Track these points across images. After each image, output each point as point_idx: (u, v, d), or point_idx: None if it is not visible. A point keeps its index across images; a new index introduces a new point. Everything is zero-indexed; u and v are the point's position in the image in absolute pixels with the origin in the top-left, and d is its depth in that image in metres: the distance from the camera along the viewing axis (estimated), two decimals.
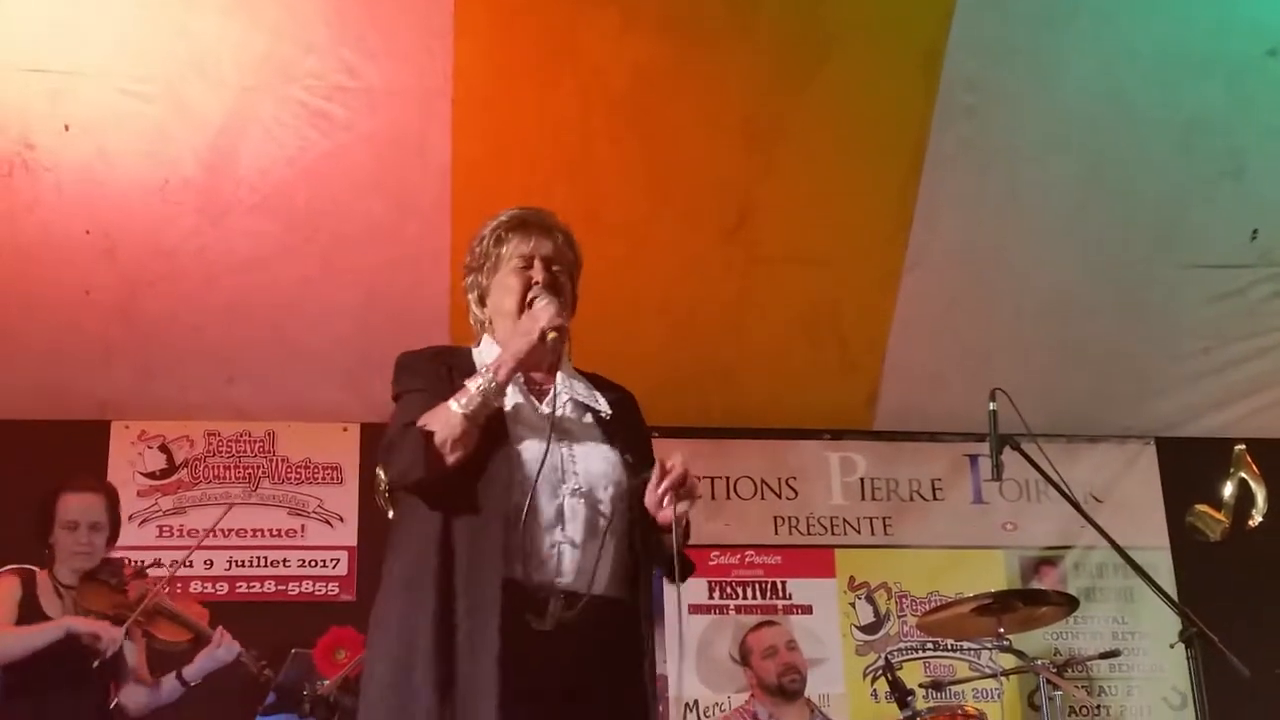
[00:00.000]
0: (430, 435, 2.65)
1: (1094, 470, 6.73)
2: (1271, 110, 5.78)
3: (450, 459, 2.66)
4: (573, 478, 2.79)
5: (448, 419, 2.67)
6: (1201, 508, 6.76)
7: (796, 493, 6.66)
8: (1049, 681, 4.92)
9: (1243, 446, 6.79)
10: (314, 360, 6.10)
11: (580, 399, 2.95)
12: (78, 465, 5.95)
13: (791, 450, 6.69)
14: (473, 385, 2.70)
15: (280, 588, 6.11)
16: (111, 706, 4.72)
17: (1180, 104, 5.73)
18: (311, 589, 6.14)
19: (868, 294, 6.22)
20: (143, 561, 5.54)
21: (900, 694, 4.92)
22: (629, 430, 2.95)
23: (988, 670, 5.88)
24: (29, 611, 4.53)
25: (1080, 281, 6.24)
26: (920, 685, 5.29)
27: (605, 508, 2.80)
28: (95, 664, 4.46)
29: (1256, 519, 6.78)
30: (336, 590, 6.14)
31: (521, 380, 2.87)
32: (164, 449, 6.24)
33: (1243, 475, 6.82)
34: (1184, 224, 6.14)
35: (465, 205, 5.63)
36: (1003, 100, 5.68)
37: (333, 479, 6.31)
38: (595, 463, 2.84)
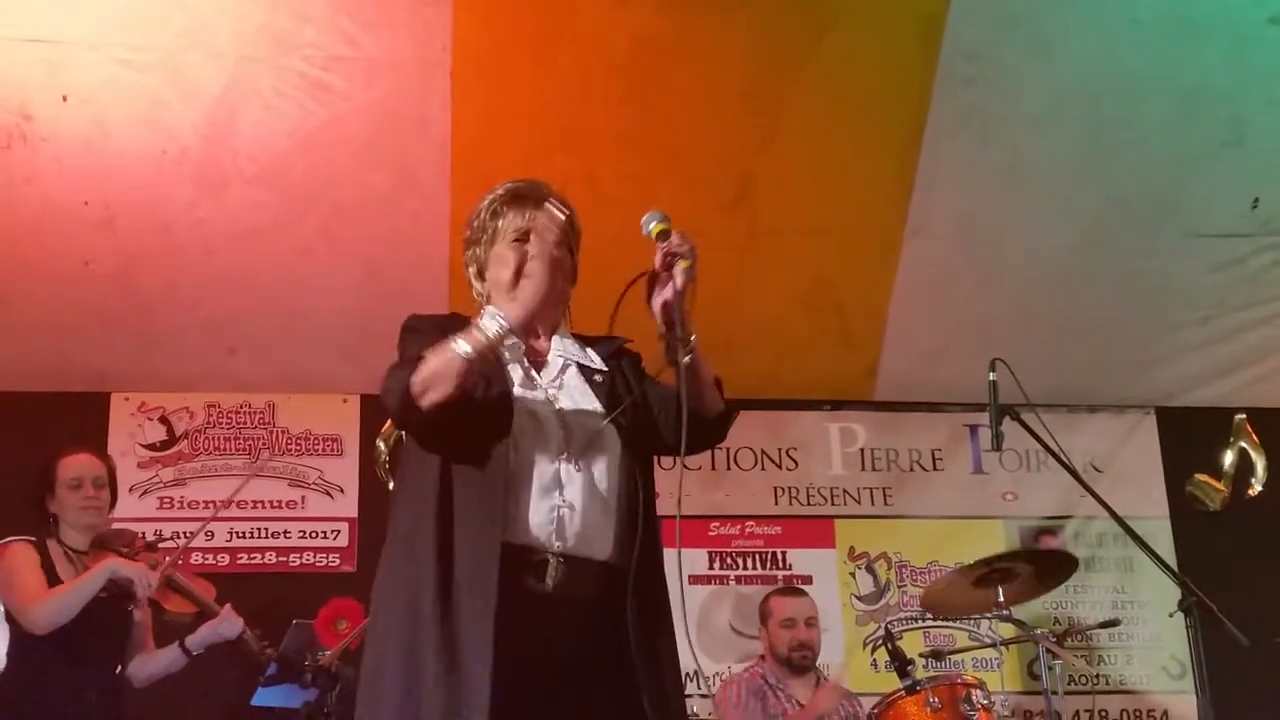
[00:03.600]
0: (419, 364, 2.65)
1: (1094, 440, 6.74)
2: (1272, 79, 5.76)
3: (434, 394, 2.65)
4: (572, 442, 2.78)
5: (444, 352, 2.66)
6: (1201, 477, 6.80)
7: (796, 463, 6.66)
8: (1048, 651, 4.94)
9: (1243, 416, 6.83)
10: (314, 332, 6.09)
11: (578, 361, 2.95)
12: (78, 437, 5.94)
13: (792, 421, 6.69)
14: (482, 322, 2.70)
15: (281, 559, 6.13)
16: (117, 673, 4.74)
17: (1181, 73, 5.71)
18: (312, 560, 6.15)
19: (868, 265, 6.22)
20: (159, 533, 5.58)
21: (900, 663, 4.93)
22: (627, 388, 2.94)
23: (987, 640, 5.89)
24: (50, 577, 4.54)
25: (1080, 251, 6.23)
26: (920, 655, 5.31)
27: (603, 472, 2.80)
28: (131, 608, 4.56)
29: (1256, 488, 6.82)
30: (337, 561, 6.15)
31: (521, 347, 2.87)
32: (164, 420, 6.24)
33: (1243, 444, 6.85)
34: (1184, 193, 6.13)
35: (465, 176, 5.62)
36: (1003, 70, 5.66)
37: (333, 450, 6.31)
38: (592, 423, 2.83)
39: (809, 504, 6.60)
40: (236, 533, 6.09)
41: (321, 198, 5.71)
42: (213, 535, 5.98)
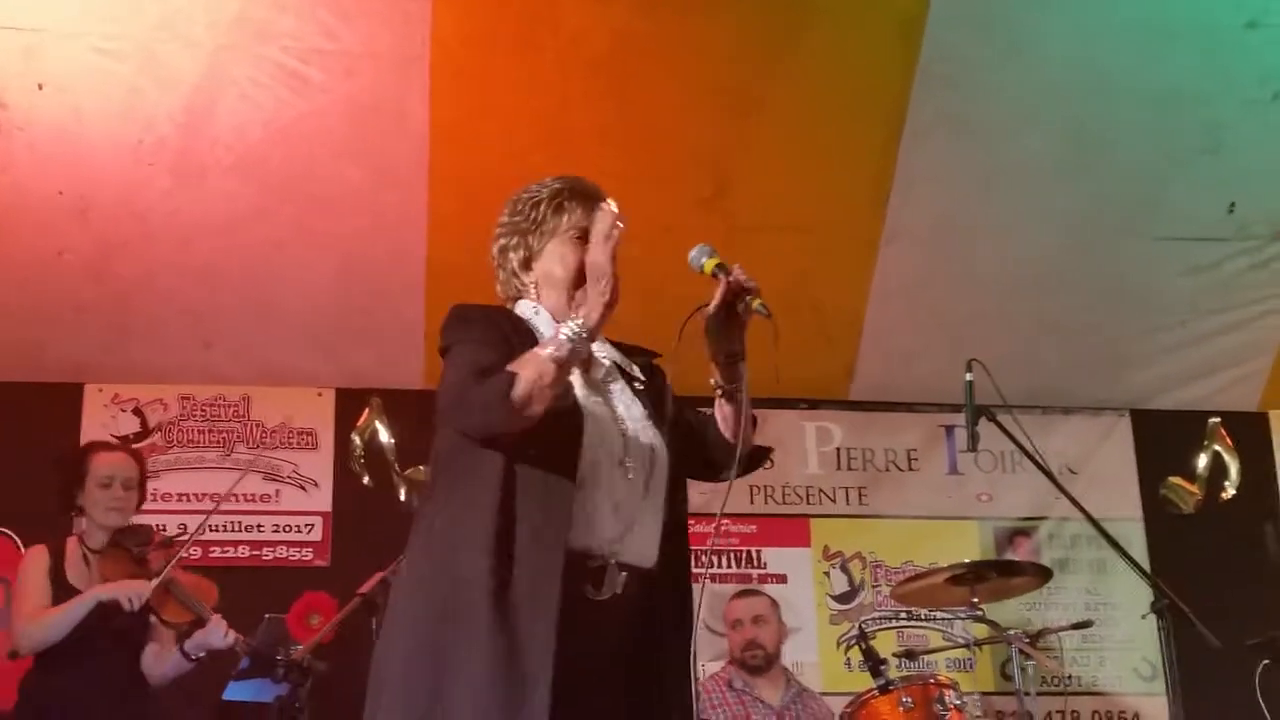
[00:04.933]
0: (514, 380, 2.56)
1: (1069, 442, 6.75)
2: (1249, 83, 5.78)
3: (536, 407, 2.58)
4: (630, 447, 2.77)
5: (538, 365, 2.58)
6: (1175, 480, 6.83)
7: (772, 462, 6.62)
8: (1021, 652, 4.95)
9: (1217, 419, 6.86)
10: (289, 325, 6.07)
11: (621, 365, 2.93)
12: (51, 427, 5.95)
13: (768, 420, 6.67)
14: (564, 333, 2.62)
15: (254, 553, 6.09)
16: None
17: (1159, 76, 5.73)
18: (286, 554, 6.12)
19: (845, 264, 6.22)
20: (182, 527, 5.63)
21: (873, 663, 4.93)
22: (660, 398, 2.93)
23: (961, 640, 5.89)
24: (56, 583, 4.61)
25: (1057, 253, 6.25)
26: (893, 654, 5.31)
27: (658, 481, 2.81)
28: (126, 612, 4.52)
29: (1229, 491, 6.85)
30: (311, 556, 6.13)
31: None
32: (137, 412, 6.20)
33: (1216, 448, 6.88)
34: (1161, 197, 6.15)
35: (442, 171, 5.61)
36: (982, 71, 5.67)
37: (308, 444, 6.28)
38: (645, 433, 2.83)
39: (784, 503, 6.59)
40: (209, 526, 6.05)
41: (298, 190, 5.68)
42: (185, 528, 5.95)
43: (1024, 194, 6.06)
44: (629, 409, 2.84)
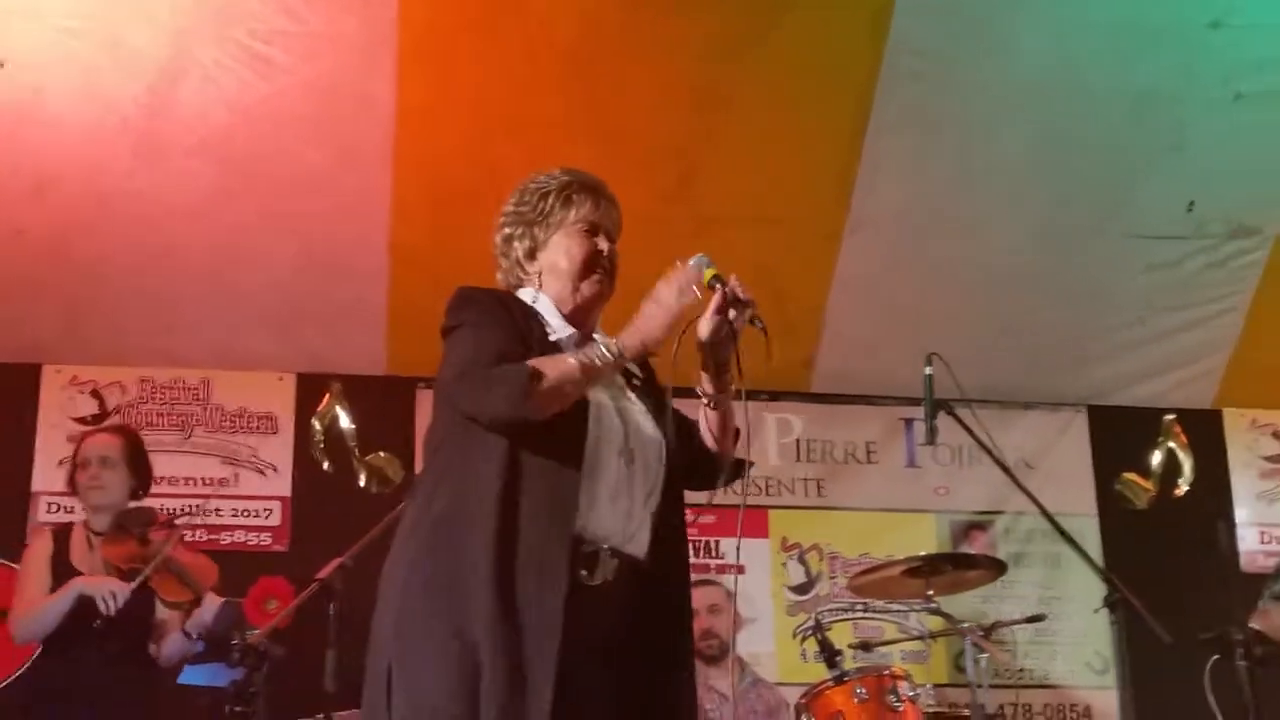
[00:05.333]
0: (539, 376, 2.61)
1: (1026, 436, 6.79)
2: (1212, 83, 5.82)
3: (554, 406, 2.63)
4: (631, 438, 2.80)
5: (567, 370, 2.65)
6: (1129, 476, 6.88)
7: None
8: (975, 644, 4.97)
9: (1172, 416, 6.91)
10: (251, 308, 6.04)
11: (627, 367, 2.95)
12: (7, 408, 5.91)
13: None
14: (599, 350, 2.70)
15: (212, 537, 6.06)
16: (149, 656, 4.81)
17: (1126, 76, 5.76)
18: (244, 539, 6.10)
19: (809, 256, 6.24)
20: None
21: (829, 654, 4.95)
22: (657, 391, 2.98)
23: (915, 632, 5.92)
24: (59, 570, 4.64)
25: (1018, 250, 6.28)
26: (849, 646, 5.33)
27: (653, 470, 2.84)
28: (96, 623, 4.49)
29: (1182, 488, 6.90)
30: (269, 540, 6.11)
31: (576, 338, 2.87)
32: (96, 394, 6.16)
33: (1171, 445, 6.93)
34: (1124, 195, 6.19)
35: (407, 155, 5.59)
36: (950, 66, 5.69)
37: (267, 428, 6.26)
38: (646, 425, 2.86)
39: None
40: (166, 509, 6.00)
41: (261, 172, 5.65)
42: None
43: (988, 190, 6.09)
44: (630, 401, 2.88)
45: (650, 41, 5.49)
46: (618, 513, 2.74)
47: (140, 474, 4.92)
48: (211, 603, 4.71)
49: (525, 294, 2.93)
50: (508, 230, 2.98)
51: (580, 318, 2.91)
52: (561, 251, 2.91)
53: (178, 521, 5.11)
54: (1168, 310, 6.61)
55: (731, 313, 2.79)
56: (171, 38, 5.23)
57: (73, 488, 4.88)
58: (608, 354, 2.70)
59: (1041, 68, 5.70)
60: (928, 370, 4.19)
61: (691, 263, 2.82)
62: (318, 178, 5.67)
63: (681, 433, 2.94)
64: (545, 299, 2.91)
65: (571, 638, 2.58)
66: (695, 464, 2.94)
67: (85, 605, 4.51)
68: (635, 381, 2.95)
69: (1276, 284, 6.48)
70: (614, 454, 2.76)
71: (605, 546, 2.71)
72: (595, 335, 2.84)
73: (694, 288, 2.75)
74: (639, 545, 2.78)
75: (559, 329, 2.86)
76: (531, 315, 2.85)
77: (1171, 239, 6.32)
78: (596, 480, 2.71)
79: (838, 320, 6.44)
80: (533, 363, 2.63)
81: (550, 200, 2.94)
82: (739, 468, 3.04)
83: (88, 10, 5.13)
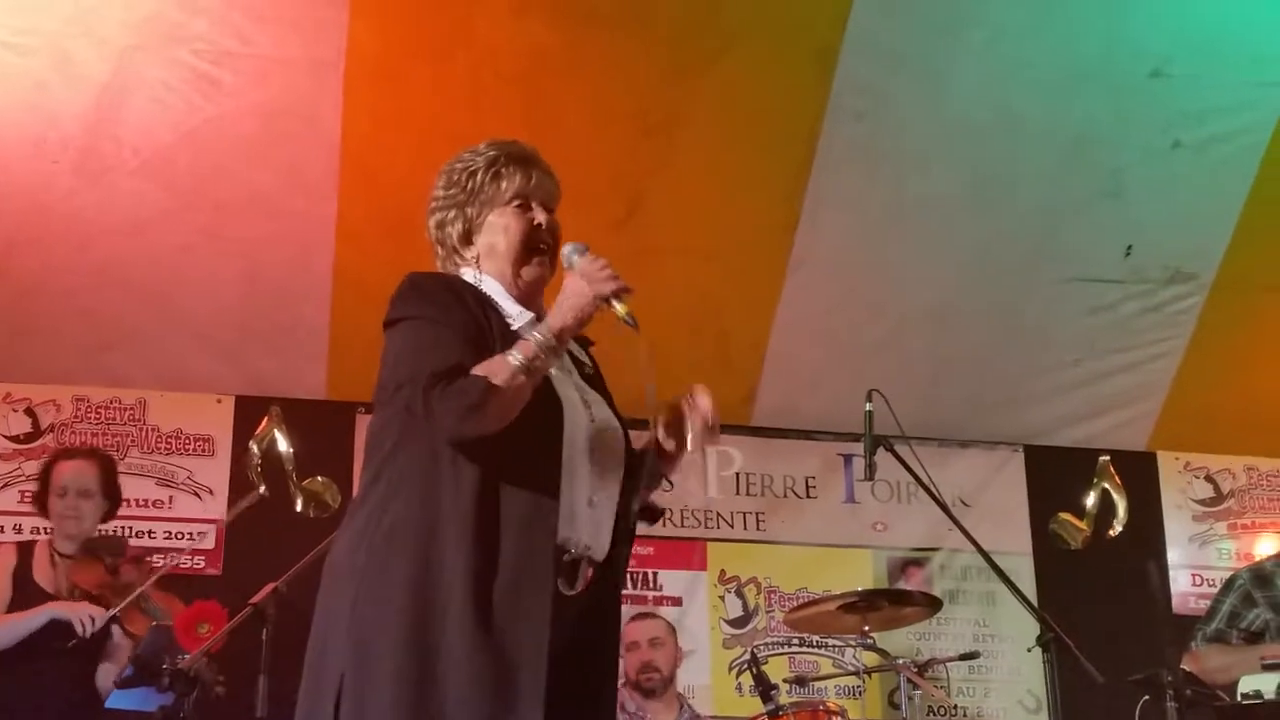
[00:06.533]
0: (492, 389, 2.43)
1: (963, 474, 6.83)
2: (1151, 131, 5.92)
3: (509, 417, 2.47)
4: (597, 435, 2.66)
5: (512, 376, 2.46)
6: (1064, 516, 6.94)
7: (672, 484, 6.64)
8: (909, 680, 5.00)
9: (1107, 457, 6.98)
10: (191, 330, 5.99)
11: (575, 355, 2.83)
12: None
13: None
14: (534, 341, 2.50)
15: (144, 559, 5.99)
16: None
17: (1065, 120, 5.85)
18: (177, 561, 6.02)
19: (751, 291, 6.27)
20: (18, 528, 5.58)
21: (764, 688, 4.95)
22: (603, 383, 2.86)
23: (851, 667, 5.94)
24: (21, 584, 4.63)
25: (959, 289, 6.34)
26: (784, 680, 5.35)
27: (614, 467, 2.70)
28: (71, 643, 4.49)
29: (1116, 529, 6.97)
30: (202, 564, 6.04)
31: (535, 323, 2.66)
32: (30, 412, 6.09)
33: (1105, 485, 7.00)
34: (1062, 238, 6.27)
35: (353, 179, 5.58)
36: (892, 106, 5.76)
37: (204, 451, 6.20)
38: (606, 414, 2.74)
39: (682, 525, 6.60)
40: (100, 530, 5.94)
41: (205, 194, 5.62)
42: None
43: (928, 229, 6.14)
44: (590, 394, 2.74)
45: (597, 71, 5.52)
46: (593, 516, 2.63)
47: (113, 498, 4.94)
48: None
49: (467, 274, 2.76)
50: (439, 215, 2.82)
51: (528, 300, 2.75)
52: (498, 231, 2.76)
53: (156, 562, 5.07)
54: (1105, 353, 6.68)
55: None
56: (119, 56, 5.20)
57: (42, 509, 4.86)
58: (545, 343, 2.52)
59: (981, 110, 5.78)
60: (868, 407, 4.22)
61: (565, 250, 2.72)
62: (262, 200, 5.65)
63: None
64: (492, 281, 2.74)
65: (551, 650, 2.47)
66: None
67: (57, 627, 4.50)
68: (588, 370, 2.82)
69: (1212, 329, 6.58)
70: (583, 454, 2.61)
71: (585, 556, 2.60)
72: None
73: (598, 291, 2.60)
74: (604, 548, 2.66)
75: (516, 315, 2.70)
76: (486, 302, 2.68)
77: (1109, 282, 6.40)
78: (574, 484, 2.58)
79: (779, 355, 6.47)
80: (482, 371, 2.46)
81: (479, 178, 2.78)
82: (655, 514, 2.91)
83: (35, 26, 5.09)
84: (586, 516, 2.61)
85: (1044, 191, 6.08)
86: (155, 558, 5.11)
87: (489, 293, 2.72)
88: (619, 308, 2.60)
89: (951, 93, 5.75)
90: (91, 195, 5.54)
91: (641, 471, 2.76)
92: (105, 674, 4.74)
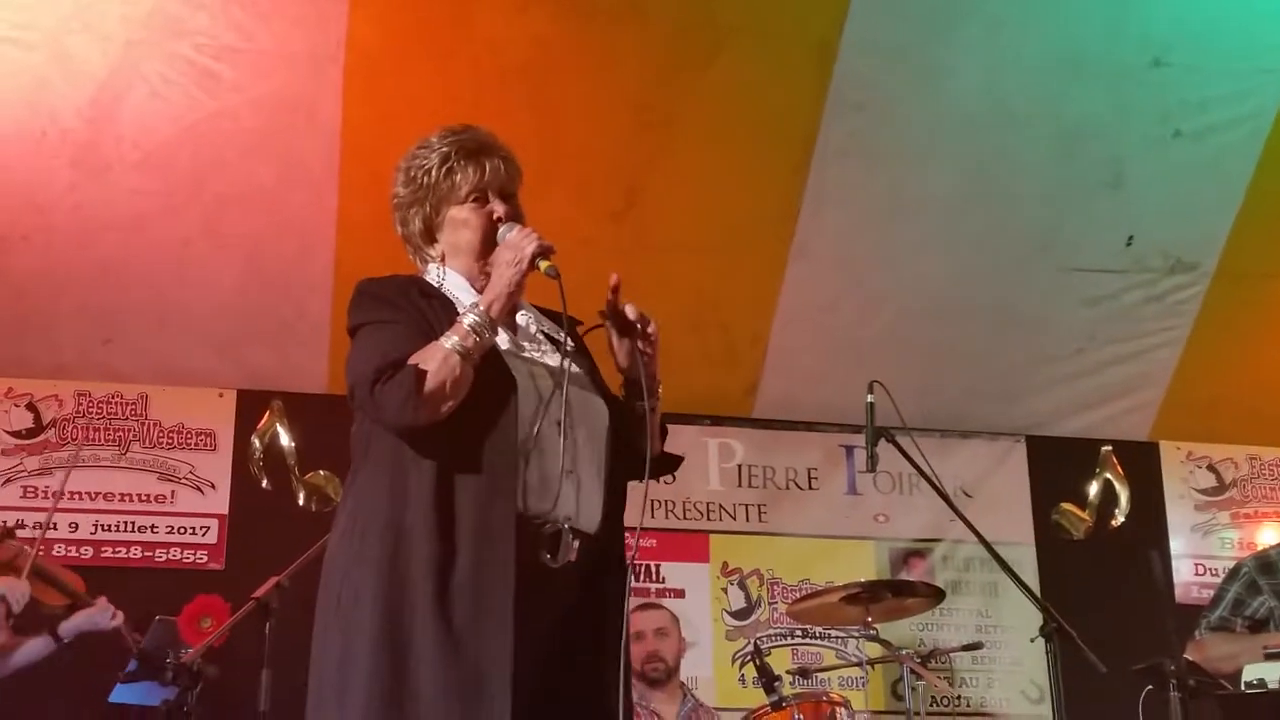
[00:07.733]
0: (424, 376, 2.48)
1: (965, 465, 6.84)
2: (1151, 120, 5.91)
3: (449, 404, 2.50)
4: (571, 411, 2.65)
5: (445, 359, 2.50)
6: (1066, 506, 6.95)
7: (674, 477, 6.65)
8: (912, 671, 5.01)
9: (1109, 448, 6.98)
10: (192, 324, 5.99)
11: (547, 331, 2.83)
12: None
13: (670, 435, 6.67)
14: (466, 322, 2.54)
15: (147, 554, 5.99)
16: None
17: (1064, 111, 5.85)
18: (179, 556, 6.03)
19: (752, 284, 6.27)
20: (19, 522, 5.44)
21: (767, 679, 4.95)
22: (589, 359, 2.86)
23: (854, 659, 5.95)
24: None
25: (959, 280, 6.34)
26: (787, 672, 5.35)
27: (599, 441, 2.73)
28: (10, 620, 4.49)
29: (1119, 519, 6.97)
30: (205, 558, 6.04)
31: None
32: (31, 408, 6.08)
33: (1107, 476, 7.01)
34: (1062, 229, 6.27)
35: (353, 173, 5.57)
36: (891, 99, 5.75)
37: (206, 445, 6.20)
38: (585, 396, 2.75)
39: (684, 518, 6.61)
40: (102, 525, 5.95)
41: (205, 188, 5.62)
42: (77, 527, 5.86)
43: (929, 221, 6.14)
44: (564, 371, 2.72)
45: (597, 65, 5.52)
46: (572, 487, 2.63)
47: None
48: (104, 607, 4.67)
49: (430, 273, 2.79)
50: (400, 214, 2.84)
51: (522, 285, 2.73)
52: (459, 227, 2.77)
53: (19, 532, 5.01)
54: (1106, 343, 6.68)
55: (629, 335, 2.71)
56: (119, 51, 5.20)
57: None
58: (478, 322, 2.55)
59: (981, 102, 5.78)
60: (869, 398, 4.21)
61: (499, 232, 2.73)
62: (263, 195, 5.65)
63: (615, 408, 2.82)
64: (455, 275, 2.77)
65: (526, 621, 2.48)
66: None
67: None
68: (568, 347, 2.79)
69: (1213, 319, 6.58)
70: (551, 422, 2.62)
71: (566, 525, 2.61)
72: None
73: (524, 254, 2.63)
74: (593, 520, 2.68)
75: (469, 305, 2.67)
76: (437, 296, 2.71)
77: (1111, 273, 6.40)
78: (544, 457, 2.59)
79: (780, 347, 6.47)
80: (415, 360, 2.50)
81: (433, 175, 2.79)
82: (671, 463, 2.95)
83: (35, 21, 5.09)
84: (564, 487, 2.62)
85: (1044, 182, 6.08)
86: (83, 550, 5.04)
87: (450, 288, 2.75)
88: (542, 264, 2.64)
89: (950, 84, 5.75)
90: (92, 190, 5.54)
91: (631, 422, 2.78)
92: (28, 647, 4.73)
